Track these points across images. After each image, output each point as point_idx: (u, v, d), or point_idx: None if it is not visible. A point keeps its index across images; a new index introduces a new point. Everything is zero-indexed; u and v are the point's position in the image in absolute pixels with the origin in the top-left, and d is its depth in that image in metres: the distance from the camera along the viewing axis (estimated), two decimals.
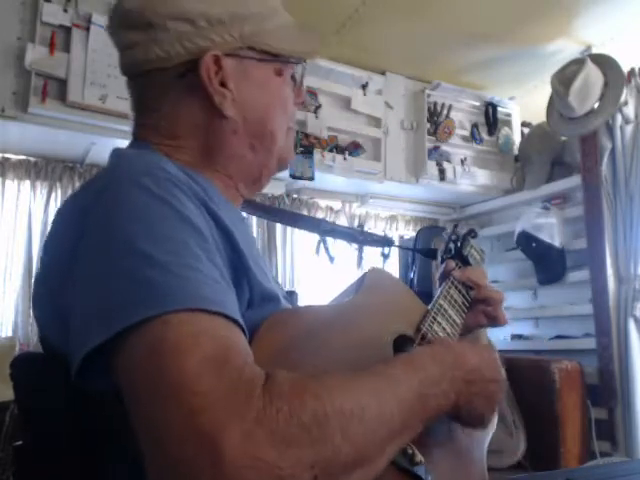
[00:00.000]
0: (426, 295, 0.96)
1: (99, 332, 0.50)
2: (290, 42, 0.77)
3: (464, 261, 1.04)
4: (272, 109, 0.76)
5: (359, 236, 1.38)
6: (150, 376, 0.47)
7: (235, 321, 0.53)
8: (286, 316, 0.66)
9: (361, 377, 0.54)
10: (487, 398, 0.66)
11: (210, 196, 0.65)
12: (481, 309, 0.97)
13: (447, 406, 0.61)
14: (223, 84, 0.71)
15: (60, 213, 0.66)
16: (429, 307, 0.88)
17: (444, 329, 0.85)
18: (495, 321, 0.98)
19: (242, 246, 0.64)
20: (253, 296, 0.65)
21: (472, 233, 1.11)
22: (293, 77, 0.81)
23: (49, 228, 0.66)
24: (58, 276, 0.59)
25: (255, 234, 2.78)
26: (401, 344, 0.76)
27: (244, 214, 0.86)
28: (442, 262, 1.04)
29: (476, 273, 0.98)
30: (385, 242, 1.34)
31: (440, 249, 1.11)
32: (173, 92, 0.72)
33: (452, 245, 1.08)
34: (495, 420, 0.73)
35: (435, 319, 0.84)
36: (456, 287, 0.95)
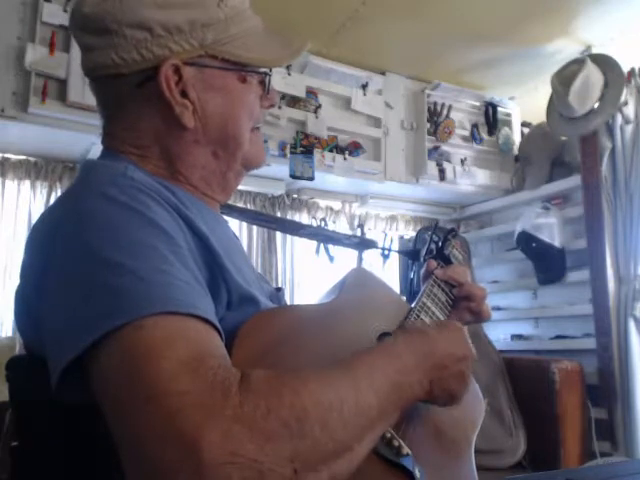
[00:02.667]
0: None
1: (71, 346, 0.50)
2: (254, 50, 0.75)
3: (446, 260, 1.05)
4: (235, 116, 0.75)
5: (331, 235, 1.37)
6: (126, 381, 0.47)
7: (209, 322, 0.53)
8: (268, 317, 0.66)
9: (338, 369, 0.54)
10: (459, 377, 0.67)
11: (182, 200, 0.66)
12: (465, 306, 0.98)
13: (422, 393, 0.62)
14: (184, 94, 0.70)
15: (35, 228, 0.66)
16: (412, 305, 0.89)
17: None
18: (480, 316, 0.99)
19: (217, 247, 0.64)
20: (231, 297, 0.65)
21: (453, 233, 1.12)
22: (262, 82, 0.79)
23: (25, 243, 0.66)
24: (34, 291, 0.60)
25: (255, 234, 2.78)
26: None
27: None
28: (424, 262, 1.05)
29: (458, 271, 0.99)
30: (366, 244, 1.33)
31: (423, 249, 1.12)
32: (134, 101, 0.71)
33: (433, 245, 1.09)
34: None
35: (419, 317, 0.86)
36: (439, 285, 0.96)
